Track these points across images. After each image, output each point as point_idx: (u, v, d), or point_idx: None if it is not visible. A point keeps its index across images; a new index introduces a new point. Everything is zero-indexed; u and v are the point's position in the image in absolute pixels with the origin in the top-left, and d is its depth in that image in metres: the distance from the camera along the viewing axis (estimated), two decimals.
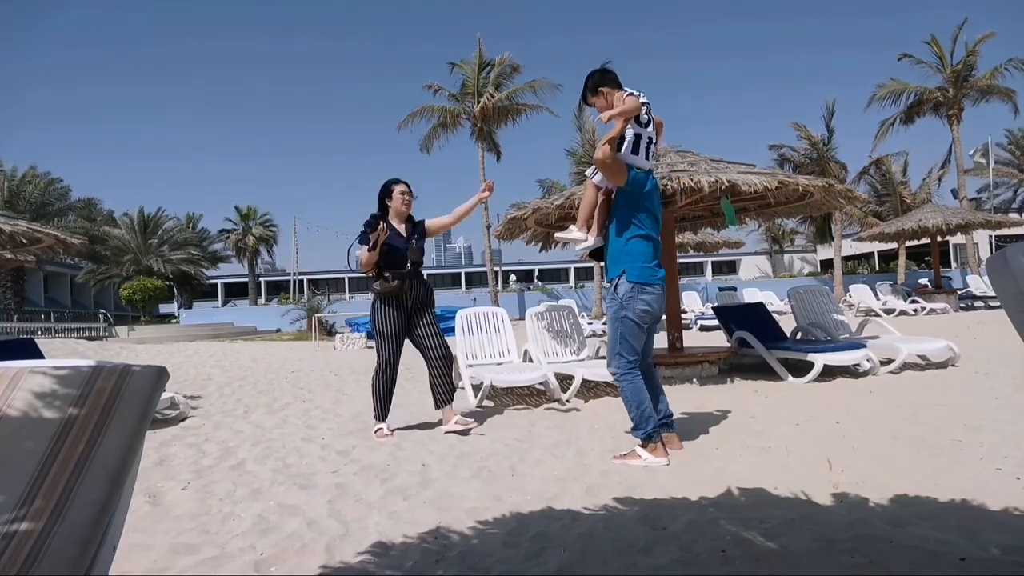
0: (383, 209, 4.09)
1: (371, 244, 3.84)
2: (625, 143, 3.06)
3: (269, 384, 7.07)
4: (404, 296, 4.00)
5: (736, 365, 6.31)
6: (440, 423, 4.13)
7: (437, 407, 4.13)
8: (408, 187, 4.10)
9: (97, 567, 0.99)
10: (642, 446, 3.10)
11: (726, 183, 5.12)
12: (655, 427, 3.11)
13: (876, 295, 16.04)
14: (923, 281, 22.79)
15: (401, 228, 4.08)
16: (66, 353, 11.63)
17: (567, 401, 4.89)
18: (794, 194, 5.88)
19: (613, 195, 3.24)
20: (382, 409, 4.02)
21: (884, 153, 28.18)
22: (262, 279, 47.37)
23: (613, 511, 2.42)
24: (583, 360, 5.74)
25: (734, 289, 20.97)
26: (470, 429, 3.99)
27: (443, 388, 4.08)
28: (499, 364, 5.65)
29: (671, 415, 3.34)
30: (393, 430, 4.05)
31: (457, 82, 24.71)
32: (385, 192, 4.08)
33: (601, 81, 3.18)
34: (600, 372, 4.78)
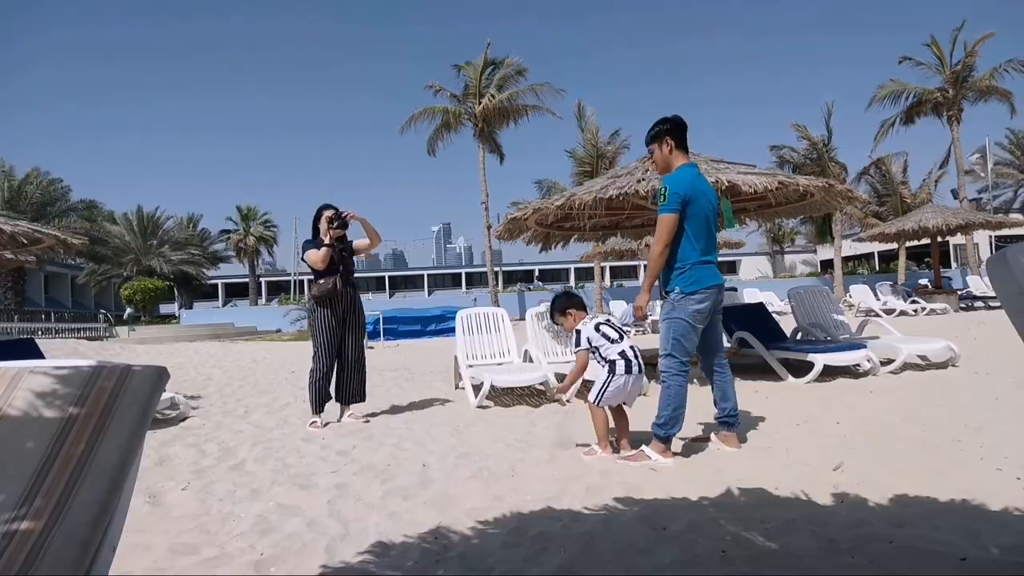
0: (316, 231, 4.57)
1: (333, 230, 4.40)
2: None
3: (269, 384, 7.07)
4: (338, 299, 4.43)
5: (736, 365, 6.26)
6: (443, 424, 4.19)
7: (337, 401, 4.56)
8: (336, 211, 4.52)
9: (97, 567, 0.99)
10: (654, 445, 3.10)
11: (726, 183, 5.12)
12: (678, 432, 3.14)
13: (876, 295, 16.05)
14: (923, 281, 22.78)
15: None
16: (67, 353, 11.64)
17: (568, 401, 4.88)
18: (794, 194, 5.89)
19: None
20: (318, 405, 4.43)
21: (884, 153, 28.22)
22: (262, 279, 47.37)
23: (613, 511, 2.42)
24: None
25: (734, 289, 20.93)
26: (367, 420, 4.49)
27: (350, 388, 4.56)
28: (499, 364, 5.66)
29: (736, 415, 3.34)
30: (327, 423, 4.43)
31: (462, 85, 24.77)
32: (317, 217, 4.59)
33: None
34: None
